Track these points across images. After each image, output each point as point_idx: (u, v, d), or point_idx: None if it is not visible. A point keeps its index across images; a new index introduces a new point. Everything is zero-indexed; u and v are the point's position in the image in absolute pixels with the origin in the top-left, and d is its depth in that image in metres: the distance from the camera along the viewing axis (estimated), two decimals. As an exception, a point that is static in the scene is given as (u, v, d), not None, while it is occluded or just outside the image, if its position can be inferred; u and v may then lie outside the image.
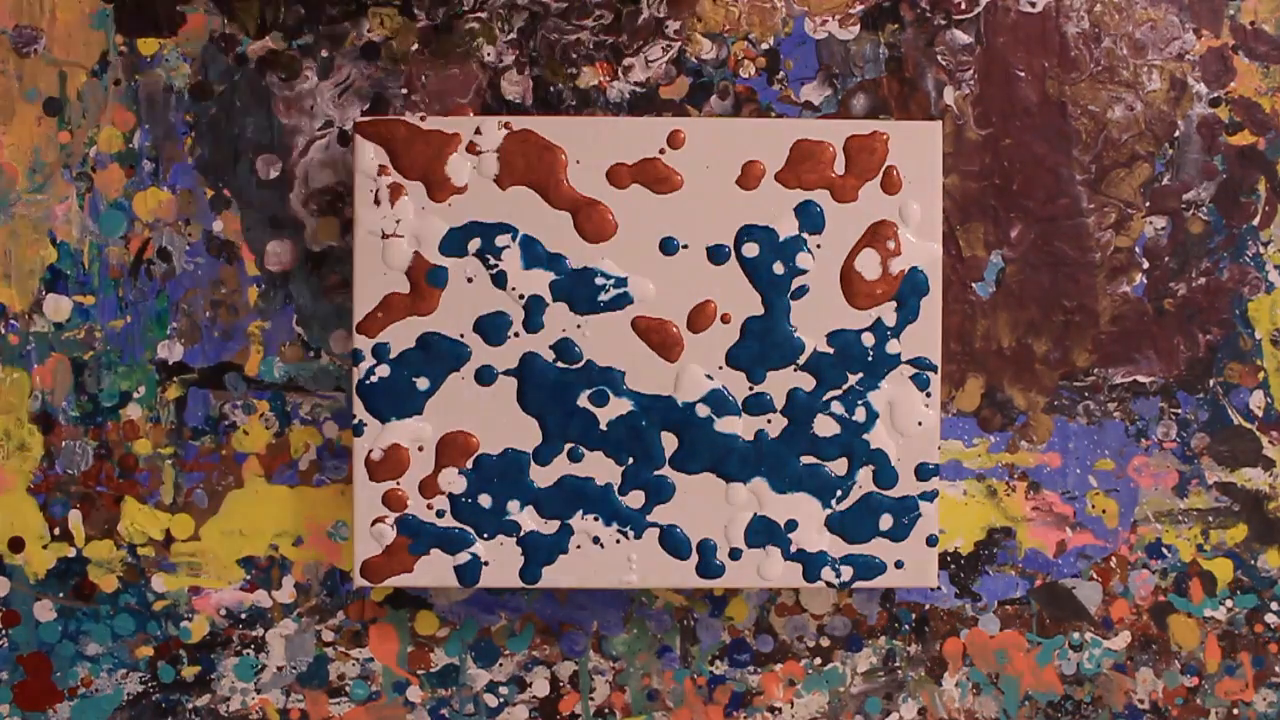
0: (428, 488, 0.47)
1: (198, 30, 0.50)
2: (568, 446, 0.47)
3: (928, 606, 0.52)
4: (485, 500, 0.47)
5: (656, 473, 0.47)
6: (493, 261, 0.47)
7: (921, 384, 0.47)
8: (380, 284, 0.47)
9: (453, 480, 0.47)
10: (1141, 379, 0.52)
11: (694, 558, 0.47)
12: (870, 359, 0.47)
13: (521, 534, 0.47)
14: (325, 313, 0.51)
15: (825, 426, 0.47)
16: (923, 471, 0.47)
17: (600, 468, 0.47)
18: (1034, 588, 0.52)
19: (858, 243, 0.47)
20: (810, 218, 0.47)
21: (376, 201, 0.46)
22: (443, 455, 0.47)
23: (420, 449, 0.47)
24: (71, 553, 0.51)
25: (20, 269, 0.51)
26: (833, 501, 0.47)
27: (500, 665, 0.52)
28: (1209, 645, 0.53)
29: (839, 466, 0.47)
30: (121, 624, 0.51)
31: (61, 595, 0.51)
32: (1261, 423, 0.52)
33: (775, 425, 0.47)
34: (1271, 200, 0.52)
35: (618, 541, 0.47)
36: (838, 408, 0.47)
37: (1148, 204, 0.52)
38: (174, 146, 0.51)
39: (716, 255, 0.47)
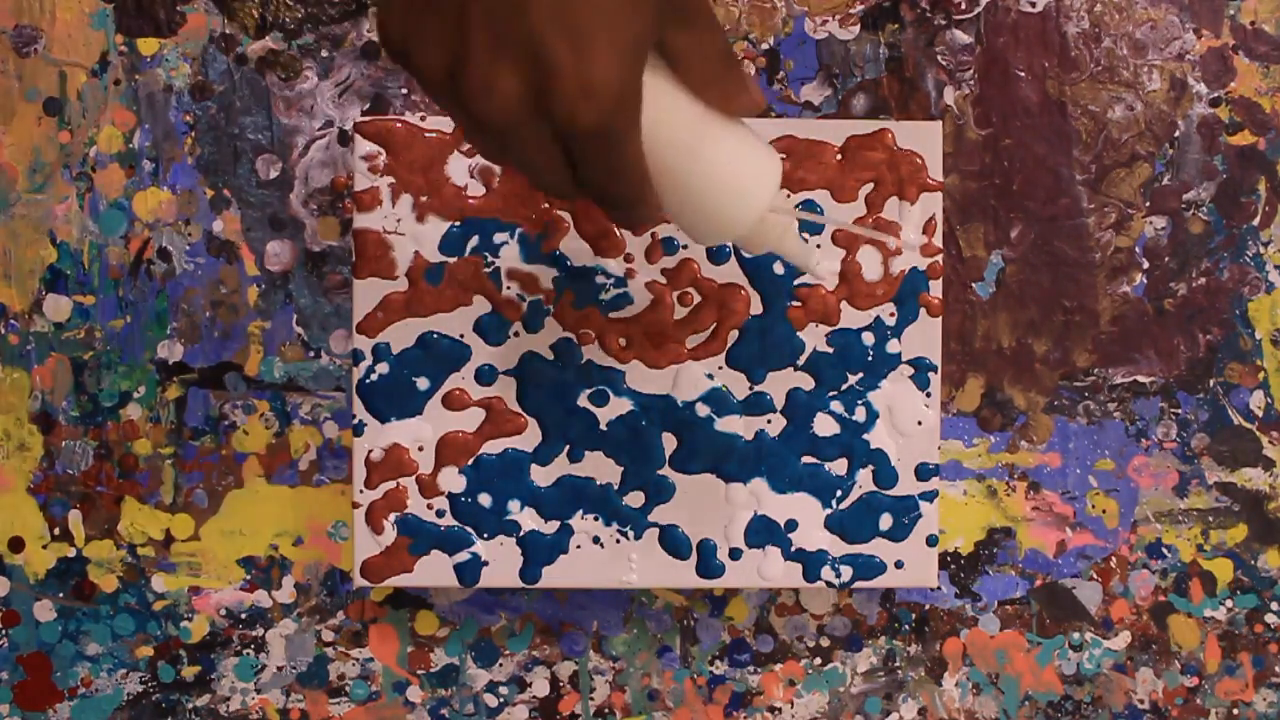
0: (428, 488, 0.47)
1: (198, 30, 0.50)
2: (568, 446, 0.47)
3: (928, 606, 0.52)
4: (485, 500, 0.47)
5: (657, 473, 0.47)
6: (490, 259, 0.47)
7: (921, 384, 0.47)
8: (380, 284, 0.47)
9: (453, 480, 0.47)
10: (1141, 379, 0.52)
11: (694, 558, 0.47)
12: (870, 359, 0.47)
13: (521, 534, 0.47)
14: (325, 313, 0.51)
15: (825, 426, 0.47)
16: (923, 471, 0.47)
17: (600, 468, 0.47)
18: (1034, 588, 0.52)
19: (858, 242, 0.47)
20: (810, 218, 0.47)
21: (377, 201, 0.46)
22: (443, 455, 0.47)
23: (420, 449, 0.47)
24: (71, 553, 0.51)
25: (20, 269, 0.51)
26: (833, 501, 0.47)
27: (500, 665, 0.52)
28: (1209, 645, 0.53)
29: (839, 466, 0.47)
30: (121, 624, 0.52)
31: (61, 595, 0.51)
32: (1261, 423, 0.52)
33: (775, 425, 0.47)
34: (1271, 200, 0.52)
35: (618, 541, 0.47)
36: (838, 407, 0.47)
37: (1148, 204, 0.52)
38: (174, 146, 0.51)
39: (716, 255, 0.47)
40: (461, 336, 0.47)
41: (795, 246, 0.38)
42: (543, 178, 0.32)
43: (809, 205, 0.47)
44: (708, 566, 0.47)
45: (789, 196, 0.47)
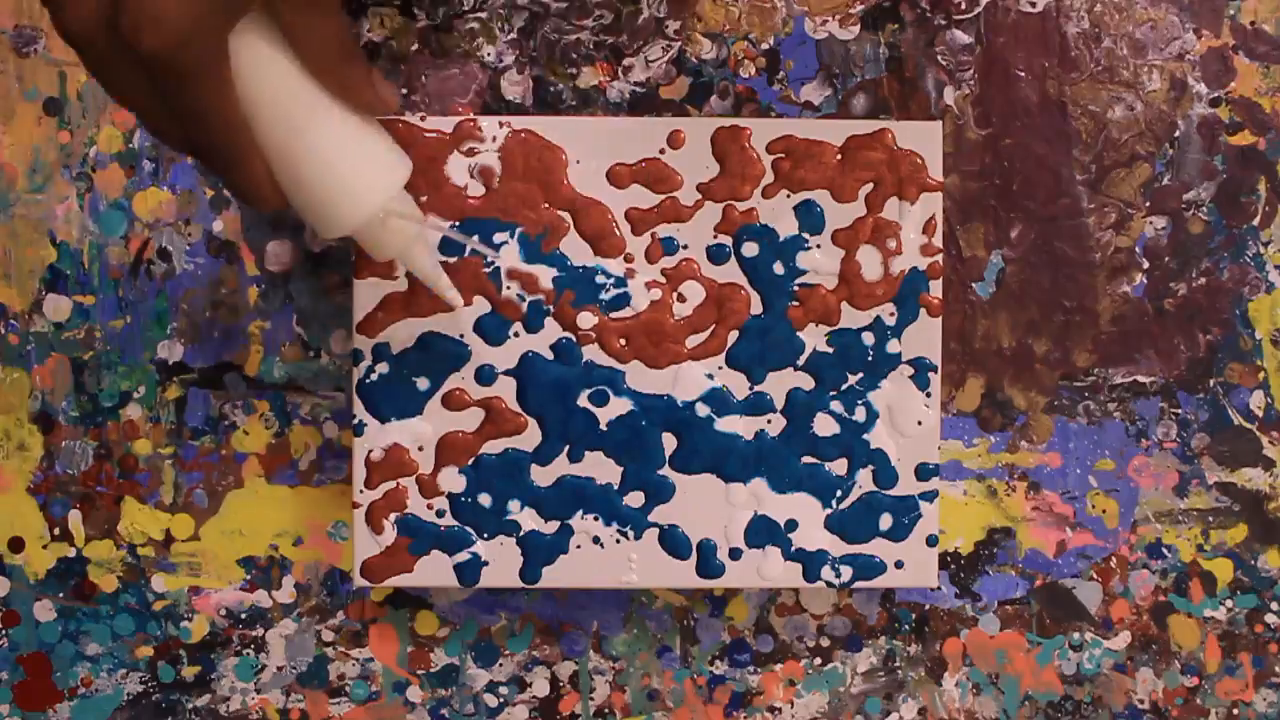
0: (428, 488, 0.47)
1: (198, 30, 0.50)
2: (567, 446, 0.47)
3: (928, 606, 0.52)
4: (485, 500, 0.47)
5: (657, 473, 0.47)
6: (490, 258, 0.47)
7: (921, 384, 0.47)
8: (380, 284, 0.47)
9: (453, 480, 0.47)
10: (1141, 379, 0.52)
11: (694, 558, 0.47)
12: (870, 359, 0.47)
13: (521, 534, 0.47)
14: (325, 313, 0.51)
15: (825, 426, 0.47)
16: (923, 471, 0.47)
17: (600, 468, 0.47)
18: (1034, 588, 0.52)
19: (859, 242, 0.47)
20: (810, 218, 0.47)
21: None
22: (443, 455, 0.47)
23: (420, 449, 0.47)
24: (71, 553, 0.51)
25: (20, 269, 0.51)
26: (833, 501, 0.47)
27: (500, 665, 0.52)
28: (1209, 645, 0.53)
29: (839, 466, 0.47)
30: (121, 624, 0.52)
31: (61, 595, 0.51)
32: (1261, 423, 0.52)
33: (775, 425, 0.47)
34: (1271, 200, 0.52)
35: (618, 541, 0.47)
36: (838, 407, 0.47)
37: (1148, 204, 0.52)
38: (174, 146, 0.51)
39: (716, 255, 0.47)
40: (461, 336, 0.47)
41: (422, 261, 0.38)
42: (143, 116, 0.34)
43: (808, 205, 0.47)
44: (708, 566, 0.47)
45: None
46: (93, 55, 0.32)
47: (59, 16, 0.32)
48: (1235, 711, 0.53)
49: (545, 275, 0.47)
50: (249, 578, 0.52)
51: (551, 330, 0.47)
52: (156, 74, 0.32)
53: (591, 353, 0.47)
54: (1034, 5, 0.51)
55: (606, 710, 0.52)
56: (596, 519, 0.47)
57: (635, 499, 0.47)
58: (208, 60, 0.32)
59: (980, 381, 0.52)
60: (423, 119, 0.46)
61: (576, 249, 0.47)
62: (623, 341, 0.47)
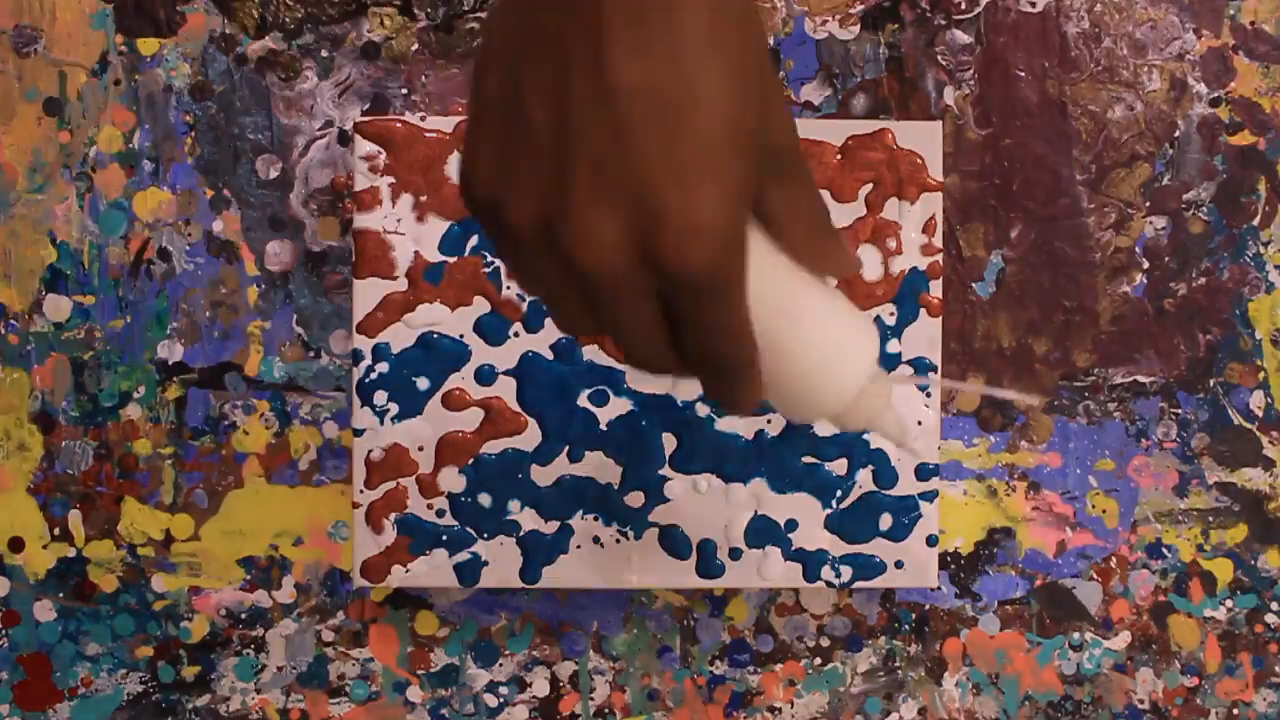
0: (428, 488, 0.47)
1: (197, 30, 0.50)
2: (567, 446, 0.47)
3: (928, 606, 0.52)
4: (485, 500, 0.47)
5: (657, 473, 0.47)
6: (490, 259, 0.47)
7: (921, 384, 0.47)
8: (380, 284, 0.47)
9: (453, 480, 0.47)
10: (1141, 379, 0.52)
11: (694, 558, 0.47)
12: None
13: (521, 534, 0.47)
14: (325, 313, 0.51)
15: (825, 426, 0.47)
16: (923, 471, 0.47)
17: (600, 468, 0.47)
18: (1034, 588, 0.52)
19: (859, 242, 0.47)
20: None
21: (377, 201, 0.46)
22: (443, 455, 0.47)
23: (420, 449, 0.47)
24: (71, 553, 0.51)
25: (20, 269, 0.51)
26: (833, 501, 0.47)
27: (500, 665, 0.52)
28: (1209, 645, 0.53)
29: (839, 466, 0.47)
30: (121, 624, 0.52)
31: (61, 595, 0.51)
32: (1261, 423, 0.52)
33: (775, 425, 0.47)
34: (1271, 200, 0.52)
35: (618, 541, 0.47)
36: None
37: (1148, 204, 0.52)
38: (174, 146, 0.51)
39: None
40: (461, 336, 0.47)
41: (892, 423, 0.34)
42: (639, 344, 0.30)
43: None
44: (708, 566, 0.47)
45: None
46: (604, 290, 0.28)
47: (580, 255, 0.27)
48: (1235, 711, 0.53)
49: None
50: (249, 578, 0.52)
51: (552, 330, 0.47)
52: (688, 296, 0.28)
53: (591, 352, 0.47)
54: (1034, 5, 0.51)
55: (606, 710, 0.52)
56: (596, 519, 0.47)
57: (635, 499, 0.47)
58: (740, 270, 0.28)
59: (980, 381, 0.52)
60: (423, 119, 0.46)
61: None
62: (623, 341, 0.47)
